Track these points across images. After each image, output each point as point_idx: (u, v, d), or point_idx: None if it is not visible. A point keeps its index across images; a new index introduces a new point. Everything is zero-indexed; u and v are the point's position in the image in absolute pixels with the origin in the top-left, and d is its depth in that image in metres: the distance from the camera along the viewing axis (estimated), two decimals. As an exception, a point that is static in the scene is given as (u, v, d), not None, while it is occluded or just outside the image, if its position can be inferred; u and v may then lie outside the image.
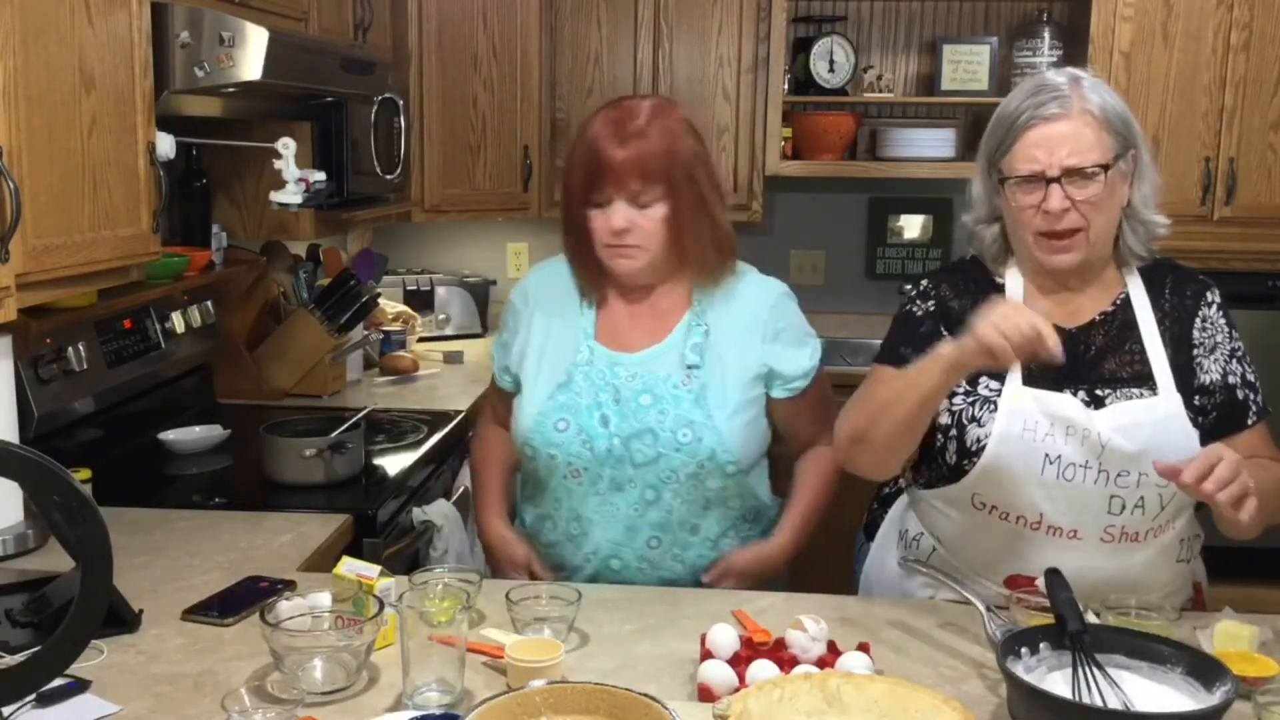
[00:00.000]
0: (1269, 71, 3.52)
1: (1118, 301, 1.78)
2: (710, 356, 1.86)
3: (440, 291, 4.07)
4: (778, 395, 1.92)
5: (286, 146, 2.48)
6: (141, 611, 1.70)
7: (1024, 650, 1.45)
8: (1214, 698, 1.34)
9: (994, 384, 1.74)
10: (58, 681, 1.42)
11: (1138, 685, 1.41)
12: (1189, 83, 3.54)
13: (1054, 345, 1.54)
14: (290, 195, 2.52)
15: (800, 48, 3.95)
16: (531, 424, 1.89)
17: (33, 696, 1.41)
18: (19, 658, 1.46)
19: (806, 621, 1.57)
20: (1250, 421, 1.76)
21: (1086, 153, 1.66)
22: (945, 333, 1.78)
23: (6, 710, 1.38)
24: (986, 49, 3.86)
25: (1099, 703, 1.36)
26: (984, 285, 1.83)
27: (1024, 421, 1.69)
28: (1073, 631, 1.44)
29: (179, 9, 2.12)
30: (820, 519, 2.01)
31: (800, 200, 4.19)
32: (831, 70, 3.89)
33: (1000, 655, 1.42)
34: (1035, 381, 1.72)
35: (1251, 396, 1.76)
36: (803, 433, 2.00)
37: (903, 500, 1.99)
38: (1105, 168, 1.66)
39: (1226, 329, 1.78)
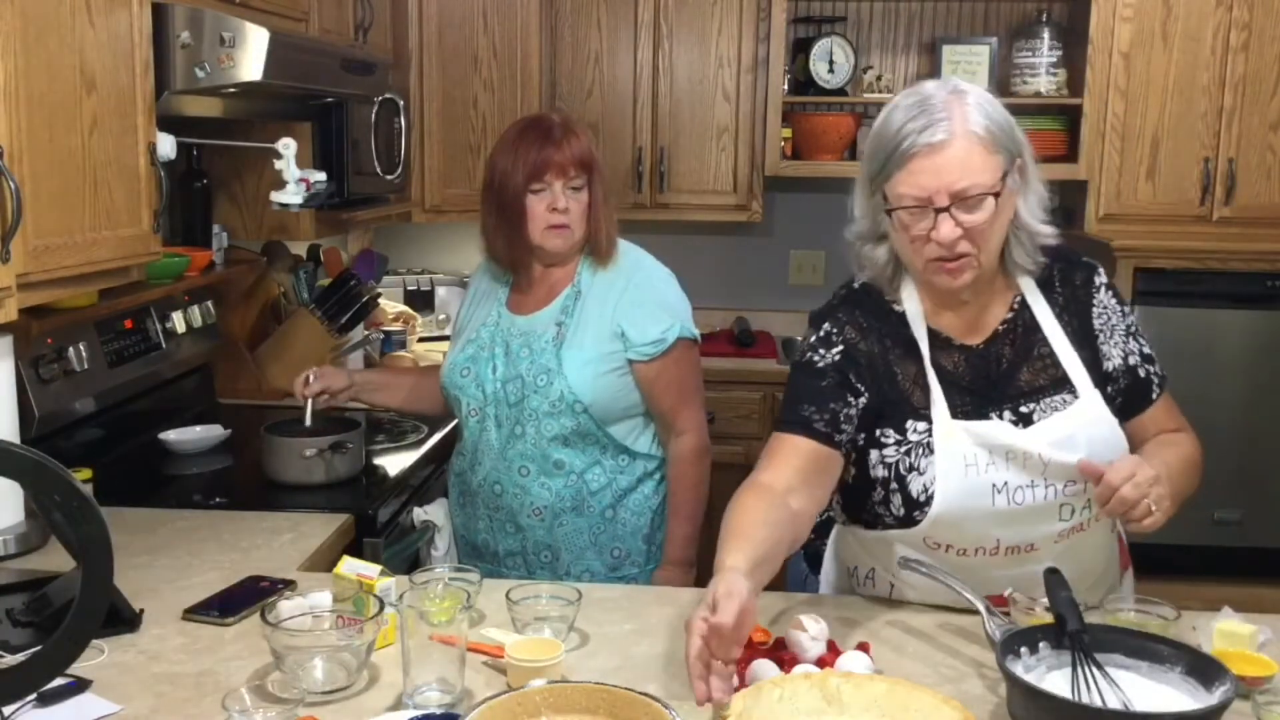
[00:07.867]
0: (1268, 72, 3.53)
1: (1015, 306, 1.74)
2: (576, 315, 2.20)
3: (440, 291, 4.07)
4: (631, 357, 2.18)
5: (287, 147, 2.48)
6: (142, 611, 1.71)
7: (1023, 650, 1.45)
8: (1213, 697, 1.34)
9: (920, 426, 1.69)
10: (58, 681, 1.42)
11: (1137, 685, 1.41)
12: (1188, 83, 3.55)
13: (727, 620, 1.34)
14: (291, 195, 2.52)
15: (800, 48, 3.95)
16: (446, 370, 2.32)
17: (33, 696, 1.41)
18: (19, 657, 1.47)
19: (806, 621, 1.57)
20: (1154, 395, 1.77)
21: (975, 176, 1.57)
22: (852, 383, 1.70)
23: (7, 710, 1.39)
24: (986, 49, 3.86)
25: (1098, 702, 1.36)
26: (883, 315, 1.75)
27: (964, 458, 1.66)
28: (1072, 631, 1.45)
29: (179, 9, 2.12)
30: (701, 522, 2.25)
31: (800, 200, 4.18)
32: (831, 70, 3.89)
33: (1000, 655, 1.42)
34: (959, 413, 1.69)
35: (1151, 370, 1.76)
36: (660, 402, 2.23)
37: (838, 532, 1.94)
38: (996, 194, 1.59)
39: (1119, 308, 1.76)
